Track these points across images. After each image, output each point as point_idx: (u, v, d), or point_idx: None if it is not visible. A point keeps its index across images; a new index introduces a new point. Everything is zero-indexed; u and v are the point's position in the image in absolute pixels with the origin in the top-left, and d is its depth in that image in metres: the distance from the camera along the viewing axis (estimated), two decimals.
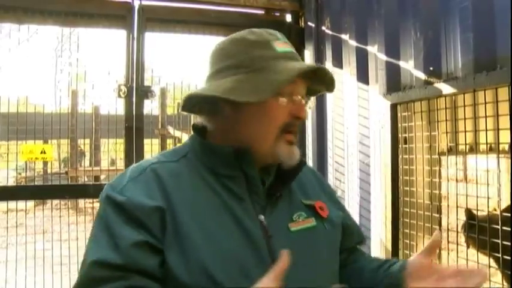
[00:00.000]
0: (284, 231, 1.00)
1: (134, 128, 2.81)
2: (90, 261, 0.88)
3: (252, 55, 0.98)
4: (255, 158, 1.00)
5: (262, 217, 0.99)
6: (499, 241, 1.79)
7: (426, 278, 0.96)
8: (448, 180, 2.17)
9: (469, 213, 2.30)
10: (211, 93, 0.98)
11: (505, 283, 2.09)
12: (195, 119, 1.11)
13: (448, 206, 2.14)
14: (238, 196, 0.98)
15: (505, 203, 2.84)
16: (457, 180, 2.90)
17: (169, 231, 0.90)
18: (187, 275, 0.88)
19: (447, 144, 2.14)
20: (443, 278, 0.94)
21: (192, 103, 1.04)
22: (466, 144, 2.15)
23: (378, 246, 2.42)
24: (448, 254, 2.48)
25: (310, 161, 3.06)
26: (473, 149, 2.43)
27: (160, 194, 0.94)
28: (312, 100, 1.15)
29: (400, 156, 2.25)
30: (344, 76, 2.70)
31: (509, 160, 2.91)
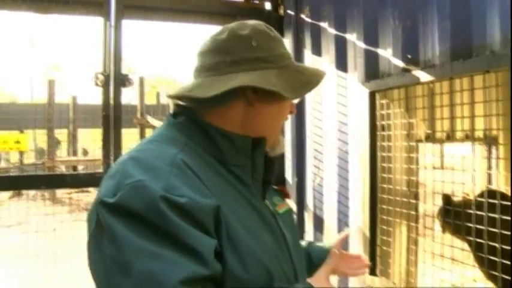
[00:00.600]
0: (277, 214, 1.07)
1: (112, 117, 2.77)
2: (175, 283, 0.73)
3: (277, 52, 1.04)
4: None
5: (267, 202, 1.05)
6: (473, 225, 1.84)
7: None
8: (425, 168, 2.20)
9: (446, 198, 2.35)
10: (253, 83, 0.97)
11: (476, 264, 2.15)
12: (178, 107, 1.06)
13: (425, 192, 2.17)
14: (245, 183, 1.00)
15: (479, 189, 2.91)
16: (434, 167, 2.95)
17: (223, 228, 0.86)
18: (246, 272, 0.86)
19: (424, 132, 2.17)
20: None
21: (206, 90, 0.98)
22: (443, 131, 2.18)
23: (356, 232, 2.45)
24: (425, 239, 2.53)
25: (288, 149, 3.07)
26: (450, 136, 2.47)
27: (207, 189, 0.87)
28: None
29: (378, 144, 2.27)
30: (323, 64, 2.71)
31: (484, 147, 2.98)
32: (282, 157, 3.12)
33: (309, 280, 1.00)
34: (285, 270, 0.97)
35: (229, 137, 0.98)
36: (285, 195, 1.21)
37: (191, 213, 0.80)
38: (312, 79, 1.07)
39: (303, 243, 1.31)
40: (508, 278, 1.68)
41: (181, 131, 0.99)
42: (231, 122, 1.00)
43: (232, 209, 0.90)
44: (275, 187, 1.16)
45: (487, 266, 1.91)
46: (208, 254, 0.78)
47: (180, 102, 1.05)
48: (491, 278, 2.09)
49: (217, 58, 1.00)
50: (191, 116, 1.01)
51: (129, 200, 0.79)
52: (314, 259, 1.26)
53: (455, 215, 2.10)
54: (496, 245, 1.73)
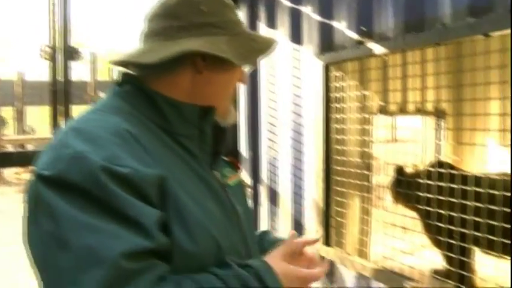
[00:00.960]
0: (227, 186, 1.03)
1: (61, 93, 2.65)
2: (115, 256, 0.69)
3: (228, 18, 1.00)
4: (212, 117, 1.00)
5: (217, 173, 1.01)
6: (424, 194, 1.89)
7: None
8: (378, 140, 2.24)
9: (398, 169, 2.41)
10: (202, 49, 0.92)
11: (424, 231, 2.23)
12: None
13: (378, 164, 2.21)
14: (193, 154, 0.95)
15: (429, 159, 3.00)
16: (386, 140, 3.01)
17: (169, 199, 0.82)
18: (195, 245, 0.83)
19: (378, 104, 2.20)
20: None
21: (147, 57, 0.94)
22: (395, 103, 2.22)
23: (311, 204, 2.48)
24: (378, 209, 2.60)
25: (242, 122, 3.05)
26: (402, 108, 2.53)
27: (152, 160, 0.83)
28: None
29: (333, 116, 2.28)
30: (277, 37, 2.68)
31: (434, 118, 3.07)
32: (235, 130, 3.10)
33: (264, 258, 0.93)
34: (235, 243, 0.94)
35: (176, 106, 0.94)
36: (236, 167, 1.18)
37: (133, 184, 0.76)
38: (263, 46, 1.03)
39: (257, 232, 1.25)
40: (453, 242, 1.76)
41: (126, 100, 0.94)
42: (179, 91, 0.96)
43: (179, 180, 0.86)
44: (226, 158, 1.13)
45: (434, 232, 1.99)
46: (152, 225, 0.75)
47: (126, 70, 0.99)
48: (437, 243, 2.20)
49: (166, 23, 0.95)
50: (137, 84, 0.96)
51: (67, 172, 0.75)
52: (266, 246, 1.19)
53: (406, 186, 2.16)
54: (443, 212, 1.80)
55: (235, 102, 0.98)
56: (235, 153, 3.10)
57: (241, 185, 1.14)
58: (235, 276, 0.83)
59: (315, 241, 1.08)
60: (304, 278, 0.93)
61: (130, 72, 0.99)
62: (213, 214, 0.91)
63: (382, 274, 2.08)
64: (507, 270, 1.67)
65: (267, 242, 1.17)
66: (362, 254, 2.28)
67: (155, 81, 0.95)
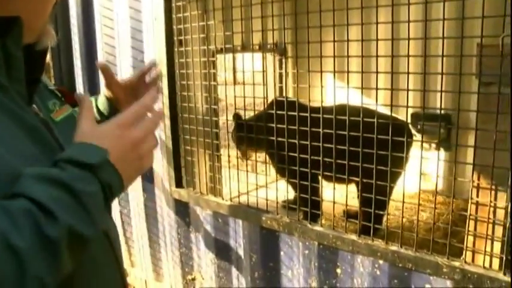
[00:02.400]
0: (52, 121, 0.84)
1: None
2: None
3: None
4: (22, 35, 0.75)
5: (35, 108, 0.80)
6: (266, 137, 1.89)
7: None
8: (222, 83, 2.17)
9: (236, 116, 2.42)
10: None
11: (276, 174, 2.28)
12: None
13: (223, 106, 2.15)
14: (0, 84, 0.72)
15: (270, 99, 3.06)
16: (230, 83, 2.97)
17: None
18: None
19: (221, 44, 2.11)
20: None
21: None
22: (238, 45, 2.16)
23: (160, 152, 2.34)
24: (227, 148, 2.57)
25: (78, 62, 2.72)
26: (245, 47, 2.49)
27: None
28: None
29: (176, 50, 2.14)
30: None
31: (275, 60, 3.12)
32: (70, 71, 2.75)
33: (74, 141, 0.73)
34: None
35: None
36: (66, 97, 0.97)
37: None
38: None
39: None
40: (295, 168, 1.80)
41: None
42: None
43: None
44: (52, 88, 0.93)
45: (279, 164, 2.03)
46: None
47: None
48: (280, 171, 2.35)
49: None
50: None
51: None
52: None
53: (248, 129, 2.16)
54: (284, 139, 1.82)
55: (54, 22, 0.79)
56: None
57: (73, 120, 0.89)
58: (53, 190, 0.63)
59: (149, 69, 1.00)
60: (130, 118, 0.74)
61: None
62: (30, 159, 0.70)
63: (238, 210, 2.06)
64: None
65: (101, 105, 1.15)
66: (216, 192, 2.23)
67: None
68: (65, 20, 2.67)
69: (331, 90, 1.97)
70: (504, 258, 1.37)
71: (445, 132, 3.00)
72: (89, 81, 2.70)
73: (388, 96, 1.54)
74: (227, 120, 2.30)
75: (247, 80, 2.15)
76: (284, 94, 2.99)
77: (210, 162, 2.28)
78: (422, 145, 1.55)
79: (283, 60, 3.16)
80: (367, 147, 1.61)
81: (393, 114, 1.58)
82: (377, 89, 1.55)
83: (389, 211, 2.76)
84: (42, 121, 0.79)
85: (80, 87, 2.77)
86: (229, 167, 2.56)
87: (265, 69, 2.19)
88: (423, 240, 1.61)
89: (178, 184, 2.29)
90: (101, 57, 2.58)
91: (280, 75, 3.21)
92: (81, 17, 2.62)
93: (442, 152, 3.05)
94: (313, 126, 1.78)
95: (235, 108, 2.34)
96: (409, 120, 2.64)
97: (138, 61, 2.34)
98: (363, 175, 1.67)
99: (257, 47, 2.59)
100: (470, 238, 1.48)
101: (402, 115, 1.80)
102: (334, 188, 1.82)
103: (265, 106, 2.19)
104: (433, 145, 2.75)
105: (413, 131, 2.77)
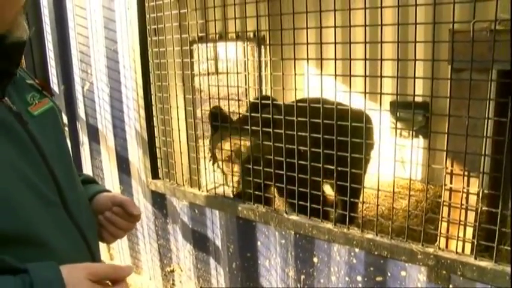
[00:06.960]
0: (29, 116, 0.83)
1: None
2: None
3: None
4: None
5: (8, 101, 0.78)
6: (249, 127, 1.85)
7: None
8: (199, 73, 2.14)
9: (212, 116, 2.22)
10: None
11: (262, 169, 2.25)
12: None
13: (201, 98, 2.10)
14: None
15: (253, 91, 3.03)
16: (208, 73, 2.93)
17: None
18: None
19: (198, 34, 2.07)
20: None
21: None
22: (215, 33, 2.11)
23: (134, 141, 2.31)
24: (204, 139, 2.54)
25: (51, 53, 2.66)
26: (223, 37, 2.45)
27: None
28: None
29: (149, 39, 2.10)
30: None
31: (254, 48, 3.09)
32: (43, 63, 2.69)
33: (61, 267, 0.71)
34: (36, 185, 0.76)
35: None
36: (45, 89, 0.94)
37: None
38: None
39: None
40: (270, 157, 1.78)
41: None
42: None
43: None
44: (31, 81, 0.90)
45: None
46: None
47: None
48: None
49: None
50: None
51: None
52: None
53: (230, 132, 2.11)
54: (258, 128, 1.80)
55: (26, 14, 0.76)
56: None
57: (52, 112, 0.91)
58: None
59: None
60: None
61: None
62: (5, 164, 0.70)
63: (215, 200, 2.03)
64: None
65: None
66: (193, 182, 2.21)
67: None
68: (36, 10, 2.60)
69: (311, 78, 1.94)
70: (475, 242, 1.38)
71: (423, 120, 3.02)
72: (62, 73, 2.64)
73: (368, 84, 1.52)
74: (202, 110, 2.26)
75: (226, 70, 2.12)
76: (263, 84, 2.98)
77: (187, 153, 2.25)
78: (396, 132, 1.54)
79: (262, 48, 3.13)
80: (340, 137, 1.59)
81: (372, 102, 1.57)
82: (350, 76, 1.53)
83: (368, 200, 2.79)
84: (16, 115, 0.78)
85: (53, 78, 2.71)
86: (204, 158, 2.53)
87: (244, 57, 2.16)
88: (401, 228, 1.61)
89: (155, 175, 2.26)
90: (74, 48, 2.52)
91: (260, 64, 3.18)
92: (53, 7, 2.55)
93: (421, 139, 3.07)
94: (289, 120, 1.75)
95: (211, 98, 2.29)
96: (387, 108, 2.65)
97: (111, 51, 2.29)
98: (337, 165, 1.66)
99: (234, 36, 2.56)
100: (444, 224, 1.49)
101: (384, 104, 1.79)
102: (309, 178, 1.80)
103: (248, 98, 2.14)
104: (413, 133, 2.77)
105: (392, 119, 2.78)
